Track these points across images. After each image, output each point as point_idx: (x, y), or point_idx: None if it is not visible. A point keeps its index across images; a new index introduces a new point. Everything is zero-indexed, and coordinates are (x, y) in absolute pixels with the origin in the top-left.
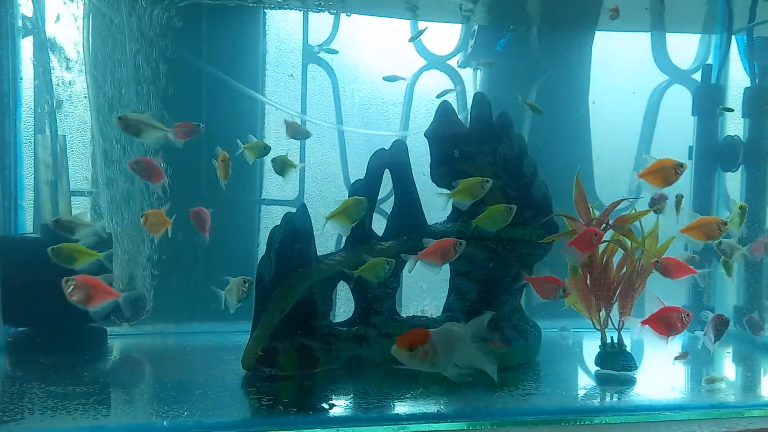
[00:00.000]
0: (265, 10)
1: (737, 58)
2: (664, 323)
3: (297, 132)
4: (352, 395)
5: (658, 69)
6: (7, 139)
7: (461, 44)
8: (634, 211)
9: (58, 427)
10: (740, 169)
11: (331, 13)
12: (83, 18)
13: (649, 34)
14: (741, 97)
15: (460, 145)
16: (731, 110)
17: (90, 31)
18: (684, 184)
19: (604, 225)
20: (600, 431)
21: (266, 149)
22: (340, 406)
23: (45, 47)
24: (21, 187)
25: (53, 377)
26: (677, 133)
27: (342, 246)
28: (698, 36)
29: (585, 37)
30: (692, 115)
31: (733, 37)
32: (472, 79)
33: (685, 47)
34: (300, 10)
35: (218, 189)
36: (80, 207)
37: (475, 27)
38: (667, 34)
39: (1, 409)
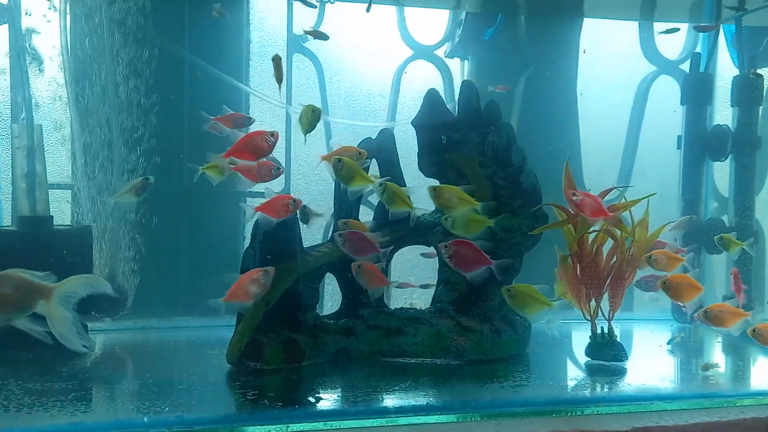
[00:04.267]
0: None
1: (724, 47)
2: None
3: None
4: (339, 389)
5: (645, 59)
6: None
7: (449, 33)
8: (624, 200)
9: (34, 424)
10: (729, 158)
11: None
12: (60, 4)
13: (637, 23)
14: (730, 86)
15: (447, 134)
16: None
17: (67, 17)
18: (672, 174)
19: None
20: (591, 422)
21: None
22: (327, 399)
23: (20, 35)
24: None
25: (31, 374)
26: (665, 122)
27: (329, 237)
28: (686, 26)
29: (572, 26)
30: (681, 104)
31: (721, 27)
32: (459, 69)
33: (672, 37)
34: None
35: (201, 181)
36: (59, 200)
37: (463, 15)
38: (655, 24)
39: None
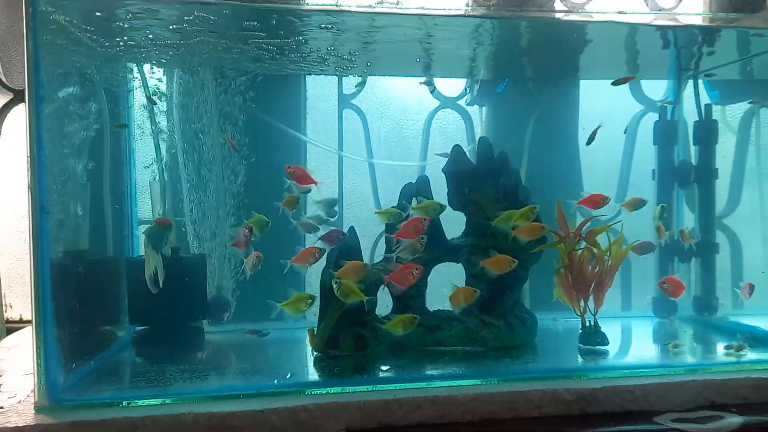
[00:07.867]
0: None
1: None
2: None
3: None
4: (397, 366)
5: (635, 100)
6: (125, 185)
7: (467, 88)
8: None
9: (186, 389)
10: (693, 186)
11: (358, 76)
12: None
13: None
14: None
15: (470, 179)
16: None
17: (176, 103)
18: (650, 200)
19: (578, 237)
20: (581, 384)
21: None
22: (388, 372)
23: (149, 109)
24: (135, 220)
25: (176, 358)
26: (644, 157)
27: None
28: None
29: (572, 83)
30: (653, 144)
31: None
32: (478, 114)
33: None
34: (334, 75)
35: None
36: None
37: (479, 75)
38: (642, 82)
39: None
